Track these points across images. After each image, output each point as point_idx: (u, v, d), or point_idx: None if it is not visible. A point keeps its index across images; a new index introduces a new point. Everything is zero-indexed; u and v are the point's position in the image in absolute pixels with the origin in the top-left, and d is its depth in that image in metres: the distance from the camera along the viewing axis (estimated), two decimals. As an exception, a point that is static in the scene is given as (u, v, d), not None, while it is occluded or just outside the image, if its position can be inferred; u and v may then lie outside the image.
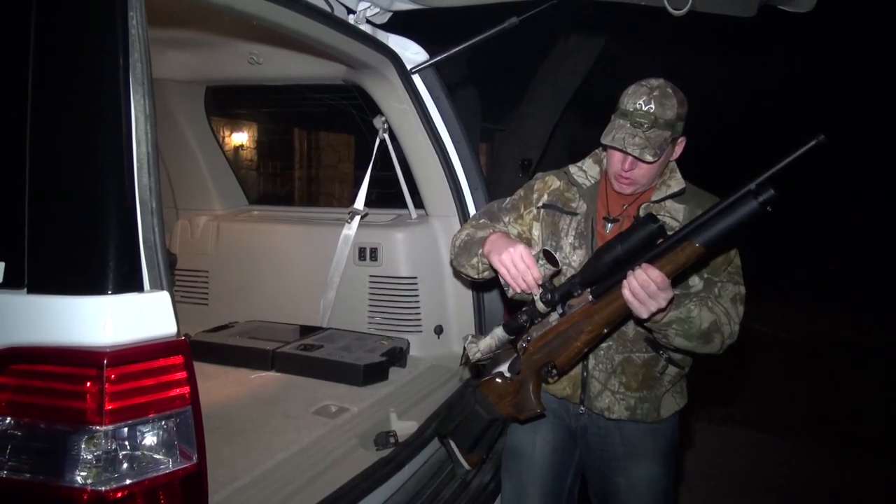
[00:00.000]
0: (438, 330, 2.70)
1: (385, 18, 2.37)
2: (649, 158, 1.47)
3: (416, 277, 2.72)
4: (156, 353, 1.04)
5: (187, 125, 3.16)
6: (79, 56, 1.08)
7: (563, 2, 2.23)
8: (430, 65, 2.45)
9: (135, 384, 1.01)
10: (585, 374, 1.68)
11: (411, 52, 2.46)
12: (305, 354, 2.41)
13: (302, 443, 1.85)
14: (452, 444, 1.68)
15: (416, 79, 2.46)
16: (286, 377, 2.38)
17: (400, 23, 2.40)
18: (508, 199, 1.84)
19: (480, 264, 1.67)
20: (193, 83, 3.11)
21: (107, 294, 1.00)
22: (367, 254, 2.78)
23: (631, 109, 1.49)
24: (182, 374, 1.07)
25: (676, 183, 1.61)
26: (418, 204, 2.82)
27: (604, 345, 1.64)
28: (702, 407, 4.20)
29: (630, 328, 1.62)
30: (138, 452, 1.02)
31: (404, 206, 2.91)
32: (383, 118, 2.68)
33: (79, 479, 0.98)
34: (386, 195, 3.21)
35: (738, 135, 9.82)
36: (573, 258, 1.65)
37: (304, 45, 2.17)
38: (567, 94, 6.29)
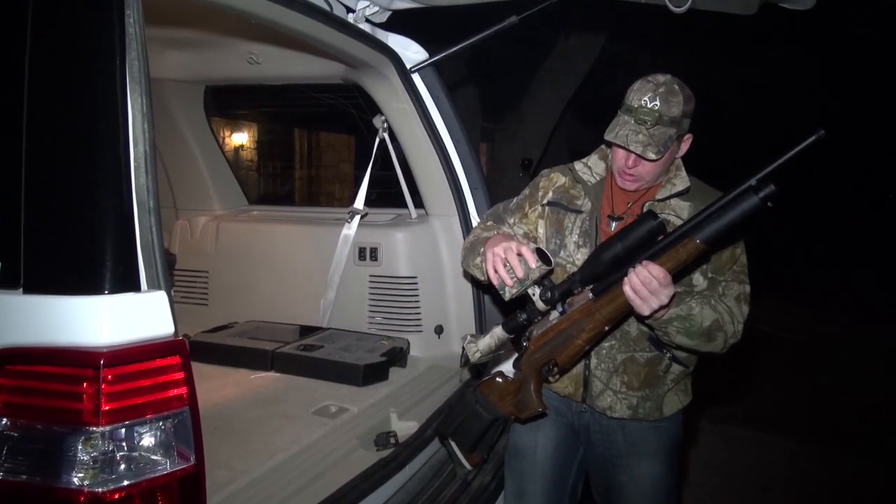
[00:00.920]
0: (439, 330, 2.69)
1: (384, 17, 2.37)
2: (652, 156, 1.46)
3: (416, 277, 2.71)
4: (153, 354, 1.03)
5: (187, 125, 3.15)
6: (75, 55, 1.07)
7: (562, 0, 2.22)
8: (430, 64, 2.44)
9: (132, 385, 1.00)
10: (587, 373, 1.67)
11: (411, 51, 2.45)
12: (305, 355, 2.41)
13: (302, 443, 1.85)
14: (453, 444, 1.68)
15: (416, 78, 2.45)
16: (286, 377, 2.37)
17: (399, 22, 2.40)
18: (515, 199, 1.84)
19: (483, 265, 1.66)
20: (193, 83, 3.11)
21: (104, 294, 0.99)
22: (367, 253, 2.77)
23: (636, 106, 1.48)
24: (180, 375, 1.06)
25: (681, 181, 1.59)
26: (418, 203, 2.82)
27: (606, 344, 1.63)
28: (702, 406, 4.17)
29: (633, 327, 1.61)
30: (135, 453, 1.01)
31: (404, 205, 2.90)
32: (383, 117, 2.67)
33: (76, 480, 0.97)
34: (386, 195, 3.21)
35: (738, 133, 9.81)
36: (577, 256, 1.64)
37: (304, 45, 2.16)
38: (567, 93, 6.29)
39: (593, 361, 1.66)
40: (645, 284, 1.34)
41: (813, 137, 1.25)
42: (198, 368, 2.37)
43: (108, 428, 0.98)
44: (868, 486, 3.60)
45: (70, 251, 1.03)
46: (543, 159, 6.42)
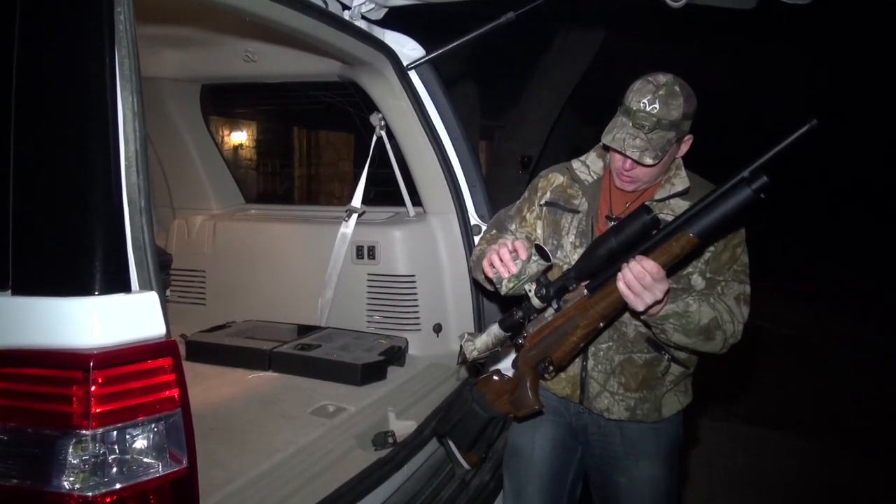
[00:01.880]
0: (437, 328, 2.68)
1: (381, 14, 2.36)
2: (649, 161, 1.43)
3: (414, 275, 2.70)
4: (144, 355, 1.02)
5: (183, 124, 3.13)
6: (64, 53, 1.05)
7: (559, -4, 2.21)
8: (427, 61, 2.43)
9: (123, 387, 0.99)
10: (584, 374, 1.65)
11: (408, 49, 2.43)
12: (303, 354, 2.40)
13: (299, 443, 1.84)
14: (451, 443, 1.67)
15: (413, 75, 2.44)
16: (283, 377, 2.36)
17: (396, 18, 2.38)
18: (515, 204, 1.83)
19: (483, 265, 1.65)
20: (188, 81, 3.09)
21: (94, 295, 0.98)
22: (364, 252, 2.76)
23: (634, 108, 1.44)
24: (171, 377, 1.04)
25: (681, 181, 1.57)
26: (416, 201, 2.80)
27: (603, 345, 1.62)
28: (703, 404, 4.17)
29: (630, 328, 1.59)
30: (127, 456, 0.99)
31: (402, 203, 2.89)
32: (380, 115, 2.66)
33: (66, 484, 0.96)
34: (383, 193, 3.20)
35: (737, 129, 9.79)
36: (574, 256, 1.62)
37: (300, 42, 2.15)
38: (566, 90, 6.27)
39: (590, 363, 1.64)
40: (638, 279, 1.32)
41: (805, 127, 1.22)
42: (195, 368, 2.39)
43: (98, 431, 0.97)
44: (869, 483, 3.60)
45: (59, 252, 1.01)
46: (543, 156, 6.41)
